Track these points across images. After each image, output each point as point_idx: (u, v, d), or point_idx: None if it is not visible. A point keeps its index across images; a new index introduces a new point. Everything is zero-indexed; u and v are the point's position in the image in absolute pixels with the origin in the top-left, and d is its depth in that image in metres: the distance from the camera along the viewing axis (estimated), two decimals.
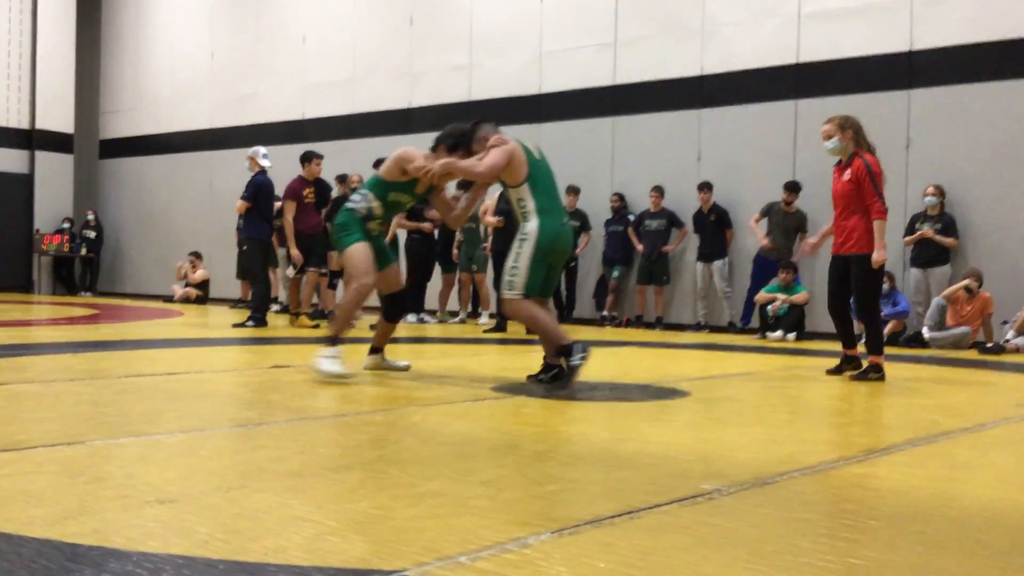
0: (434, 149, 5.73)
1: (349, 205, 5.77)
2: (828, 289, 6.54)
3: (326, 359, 5.43)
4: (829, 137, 6.32)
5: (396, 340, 9.18)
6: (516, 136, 5.72)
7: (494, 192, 10.64)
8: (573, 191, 12.36)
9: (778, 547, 2.30)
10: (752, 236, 11.20)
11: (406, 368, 6.12)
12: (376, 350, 6.16)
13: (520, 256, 5.43)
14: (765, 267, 11.03)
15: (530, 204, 5.46)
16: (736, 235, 11.56)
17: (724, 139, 11.67)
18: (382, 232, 5.95)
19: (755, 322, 10.87)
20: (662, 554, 2.22)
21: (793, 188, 10.92)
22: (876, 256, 6.10)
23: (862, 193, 6.15)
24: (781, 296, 10.34)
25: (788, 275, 10.41)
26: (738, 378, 6.37)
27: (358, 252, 5.65)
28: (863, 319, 6.39)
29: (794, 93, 11.11)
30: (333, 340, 5.55)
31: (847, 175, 6.23)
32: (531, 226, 5.43)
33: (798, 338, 10.21)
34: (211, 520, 2.42)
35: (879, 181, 6.15)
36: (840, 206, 6.30)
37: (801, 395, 5.67)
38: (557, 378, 5.48)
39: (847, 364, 6.45)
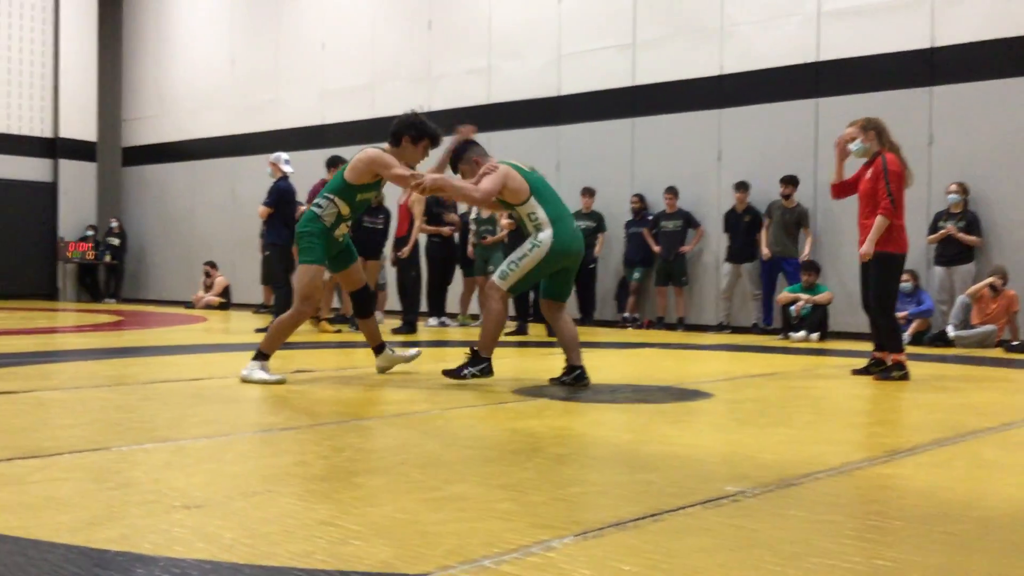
0: (396, 143, 5.65)
1: (316, 211, 5.68)
2: (861, 290, 6.56)
3: (256, 370, 5.55)
4: (852, 139, 6.34)
5: (418, 344, 9.20)
6: (501, 158, 5.75)
7: None
8: (588, 193, 12.36)
9: (803, 549, 2.29)
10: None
11: (416, 355, 6.22)
12: (379, 349, 6.18)
13: (525, 258, 5.47)
14: (773, 266, 11.01)
15: (541, 215, 5.49)
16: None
17: (744, 139, 11.62)
18: (347, 234, 5.92)
19: (777, 323, 10.82)
20: (686, 556, 2.21)
21: (791, 181, 10.88)
22: (864, 248, 6.19)
23: (877, 191, 6.18)
24: (804, 296, 10.29)
25: (811, 276, 10.35)
26: (761, 379, 6.34)
27: (310, 275, 5.64)
28: (879, 317, 6.36)
29: (814, 92, 11.06)
30: (264, 356, 5.64)
31: (869, 174, 6.29)
32: (545, 235, 5.46)
33: (822, 338, 10.15)
34: (236, 525, 2.43)
35: (893, 179, 6.16)
36: (862, 205, 6.35)
37: (825, 395, 5.64)
38: (579, 379, 5.52)
39: (875, 366, 6.42)
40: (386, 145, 5.72)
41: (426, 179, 5.44)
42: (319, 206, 5.68)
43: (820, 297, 10.25)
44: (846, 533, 2.48)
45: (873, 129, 6.31)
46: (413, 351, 6.26)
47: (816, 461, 3.38)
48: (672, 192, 11.83)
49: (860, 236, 6.37)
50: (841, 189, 6.59)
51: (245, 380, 5.54)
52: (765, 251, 10.97)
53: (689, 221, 11.83)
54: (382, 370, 6.16)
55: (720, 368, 7.23)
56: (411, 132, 5.62)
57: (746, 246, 11.34)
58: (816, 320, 10.19)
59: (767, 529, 2.46)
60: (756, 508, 2.69)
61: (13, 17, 18.81)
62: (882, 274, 6.24)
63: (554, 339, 9.85)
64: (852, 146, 6.38)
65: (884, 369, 6.25)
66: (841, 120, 10.51)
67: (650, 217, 12.12)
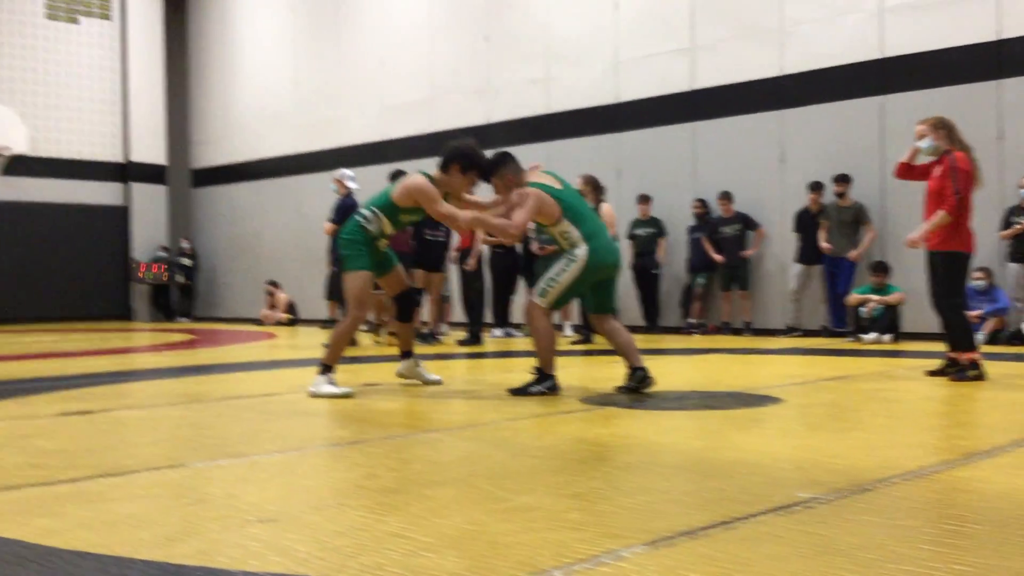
0: (445, 170, 5.70)
1: (361, 222, 5.76)
2: (928, 288, 6.48)
3: (323, 384, 5.62)
4: (922, 137, 6.29)
5: (484, 355, 9.24)
6: (535, 176, 5.72)
7: None
8: (644, 199, 12.31)
9: (879, 555, 2.25)
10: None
11: (438, 382, 6.23)
12: (406, 355, 6.26)
13: (563, 273, 5.51)
14: (834, 265, 10.84)
15: (575, 233, 5.51)
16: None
17: (808, 139, 11.47)
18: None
19: (848, 324, 10.63)
20: (759, 564, 2.19)
21: (843, 179, 10.72)
22: (916, 235, 6.18)
23: (945, 189, 6.11)
24: (875, 297, 10.10)
25: (880, 277, 10.15)
26: (833, 382, 6.24)
27: (360, 280, 5.74)
28: (948, 316, 6.25)
29: (879, 89, 10.87)
30: (329, 369, 5.71)
31: (938, 172, 6.20)
32: (580, 251, 5.48)
33: (894, 339, 9.95)
34: (309, 538, 2.47)
35: (961, 177, 6.07)
36: (929, 203, 6.27)
37: (899, 398, 5.53)
38: (643, 380, 5.54)
39: (950, 366, 6.29)
40: (435, 171, 5.77)
41: (464, 219, 5.61)
42: (365, 218, 5.76)
43: (891, 298, 10.05)
44: (923, 538, 2.43)
45: (944, 128, 6.24)
46: (436, 377, 6.30)
47: (891, 465, 3.32)
48: (726, 197, 11.73)
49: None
50: (906, 170, 6.49)
51: (314, 395, 5.62)
52: (826, 247, 10.82)
53: (748, 224, 11.71)
54: (401, 375, 6.27)
55: (790, 372, 7.13)
56: (461, 162, 5.66)
57: (817, 247, 11.16)
58: (888, 321, 9.99)
59: (841, 536, 2.43)
60: (830, 514, 2.65)
61: (83, 46, 19.39)
62: (948, 273, 6.17)
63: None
64: (922, 144, 6.30)
65: (959, 369, 6.12)
66: (907, 117, 10.35)
67: (713, 222, 12.01)
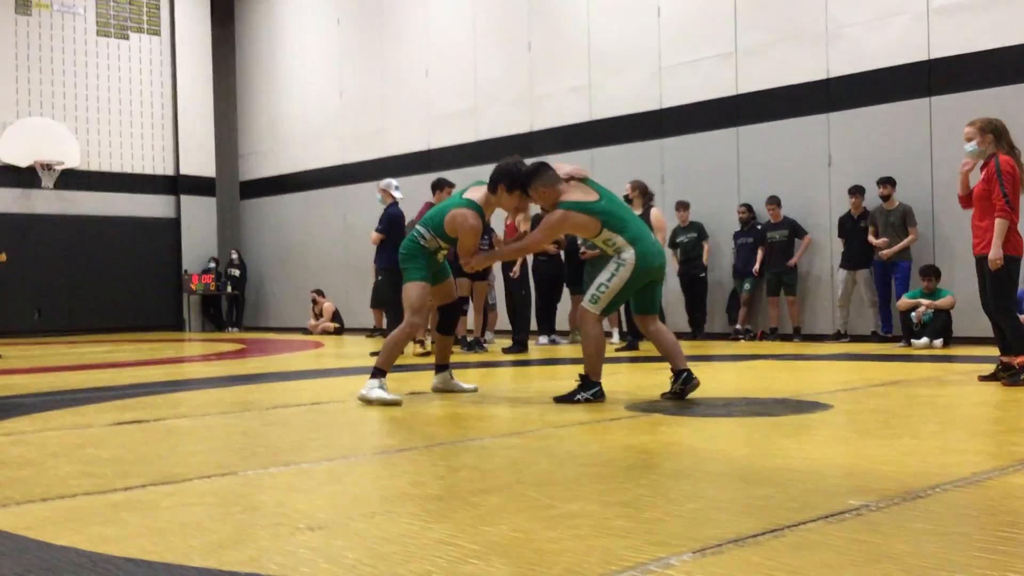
0: (493, 190, 5.76)
1: (419, 239, 5.88)
2: (979, 292, 6.41)
3: (374, 389, 5.64)
4: (970, 140, 6.26)
5: (529, 363, 9.24)
6: (569, 192, 5.62)
7: None
8: (683, 206, 12.26)
9: (933, 563, 2.22)
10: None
11: (473, 390, 6.25)
12: (442, 368, 6.31)
13: (613, 279, 5.50)
14: (885, 272, 10.70)
15: (619, 240, 5.50)
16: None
17: (855, 142, 11.34)
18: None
19: (897, 330, 10.48)
20: (810, 572, 2.16)
21: (887, 182, 10.60)
22: (992, 254, 6.04)
23: (991, 193, 6.07)
24: (925, 301, 9.94)
25: (931, 281, 9.99)
26: (883, 388, 6.15)
27: (418, 290, 5.85)
28: (999, 320, 6.19)
29: (927, 91, 10.72)
30: (381, 373, 5.74)
31: (983, 175, 6.16)
32: (628, 255, 5.48)
33: (945, 344, 9.79)
34: (358, 545, 2.49)
35: (1007, 180, 6.03)
36: (976, 207, 6.23)
37: (952, 404, 5.44)
38: (688, 382, 5.55)
39: (1003, 371, 6.19)
40: (482, 193, 5.83)
41: (472, 261, 5.84)
42: (422, 236, 5.87)
43: (942, 302, 9.88)
44: (977, 546, 2.39)
45: (991, 132, 6.17)
46: (471, 386, 6.33)
47: (943, 472, 3.27)
48: (775, 202, 11.64)
49: (974, 239, 6.26)
50: (966, 200, 6.43)
51: (364, 399, 5.66)
52: (882, 247, 10.68)
53: (796, 230, 11.60)
54: (436, 390, 6.30)
55: (839, 378, 7.05)
56: (506, 181, 5.71)
57: (862, 252, 11.03)
58: (939, 326, 9.83)
59: (893, 543, 2.39)
60: (881, 522, 2.62)
61: (133, 62, 19.77)
62: (998, 276, 6.10)
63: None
64: (967, 147, 6.26)
65: (1012, 373, 6.02)
66: (956, 118, 10.20)
67: (759, 227, 11.92)
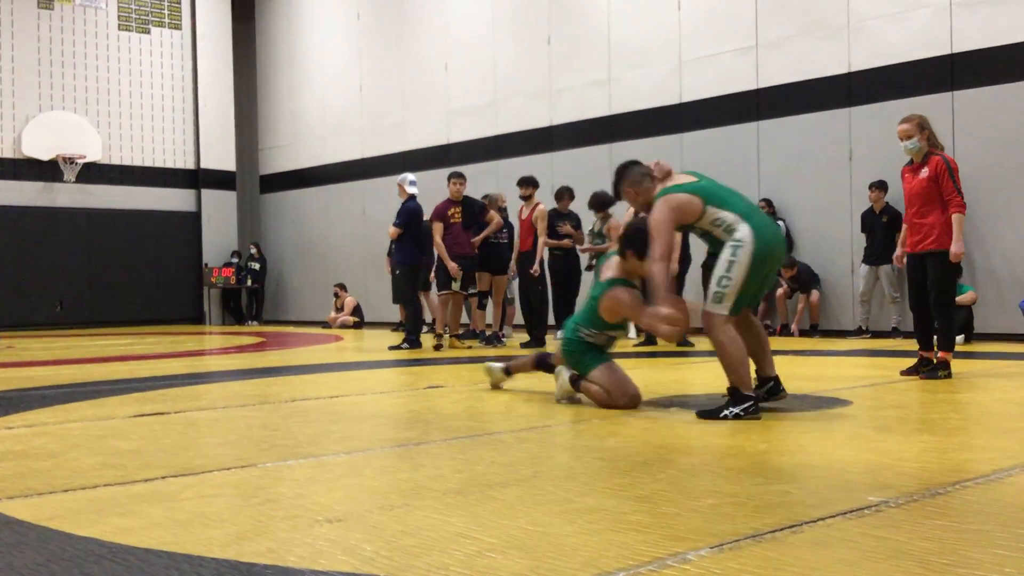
0: (623, 255, 5.19)
1: (579, 339, 5.29)
2: (908, 289, 6.62)
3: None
4: (908, 137, 6.42)
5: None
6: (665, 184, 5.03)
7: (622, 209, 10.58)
8: None
9: (952, 560, 2.20)
10: None
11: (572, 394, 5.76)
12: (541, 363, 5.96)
13: (735, 264, 4.61)
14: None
15: (727, 216, 4.70)
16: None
17: (877, 137, 11.25)
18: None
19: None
20: (828, 569, 2.16)
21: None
22: (955, 248, 6.19)
23: (941, 189, 6.23)
24: None
25: None
26: (903, 384, 6.12)
27: (604, 371, 5.23)
28: (940, 315, 6.36)
29: (949, 85, 10.63)
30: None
31: (924, 173, 6.31)
32: (743, 231, 4.63)
33: (967, 340, 9.71)
34: (376, 538, 2.50)
35: (958, 176, 6.25)
36: (916, 204, 6.37)
37: (972, 400, 5.40)
38: (773, 392, 4.98)
39: (923, 365, 6.45)
40: (615, 266, 5.28)
41: (661, 314, 4.73)
42: (587, 334, 5.30)
43: (963, 298, 9.80)
44: (997, 543, 2.37)
45: (928, 128, 6.41)
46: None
47: (963, 469, 3.25)
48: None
49: (913, 236, 6.41)
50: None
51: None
52: (899, 251, 10.61)
53: (804, 283, 11.60)
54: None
55: (859, 374, 7.01)
56: (635, 248, 5.08)
57: (884, 248, 10.96)
58: (960, 322, 9.75)
59: (913, 540, 2.38)
60: (900, 519, 2.61)
61: (154, 56, 19.86)
62: (947, 272, 6.29)
63: (685, 348, 9.78)
64: (907, 144, 6.40)
65: (931, 368, 6.33)
66: (978, 113, 10.12)
67: (781, 222, 11.86)
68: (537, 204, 10.87)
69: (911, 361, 6.64)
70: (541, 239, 10.75)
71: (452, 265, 10.31)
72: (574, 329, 5.37)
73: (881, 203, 10.99)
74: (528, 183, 11.04)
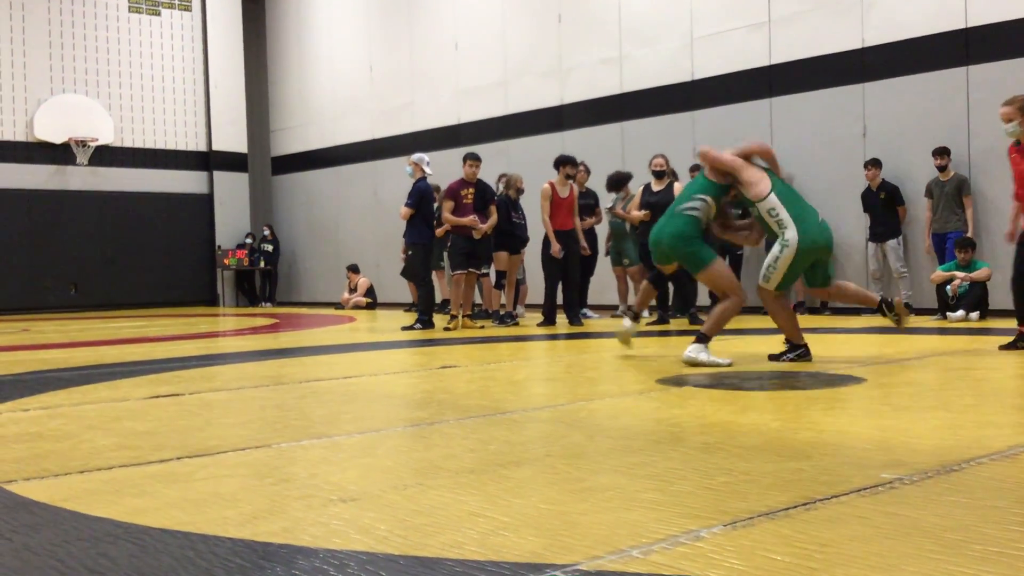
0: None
1: (690, 218, 6.19)
2: (1015, 265, 6.44)
3: (700, 352, 6.00)
4: (1009, 120, 6.31)
5: (558, 336, 9.24)
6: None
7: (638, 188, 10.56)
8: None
9: (967, 536, 2.20)
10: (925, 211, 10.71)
11: (728, 364, 6.05)
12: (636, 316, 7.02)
13: (779, 260, 6.01)
14: (941, 244, 10.52)
15: (783, 214, 5.97)
16: (909, 211, 11.04)
17: (890, 112, 11.17)
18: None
19: (933, 303, 10.35)
20: (841, 546, 2.15)
21: (942, 152, 10.38)
22: (1008, 229, 6.28)
23: None
24: (960, 274, 9.81)
25: (966, 253, 9.84)
26: (917, 361, 6.10)
27: (719, 269, 6.31)
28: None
29: (964, 60, 10.53)
30: (705, 338, 6.10)
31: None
32: (790, 235, 5.94)
33: (982, 317, 9.67)
34: (390, 517, 2.51)
35: None
36: (1018, 188, 6.28)
37: (987, 377, 5.38)
38: (801, 357, 6.05)
39: (1021, 340, 6.33)
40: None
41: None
42: (696, 209, 6.20)
43: (978, 274, 9.75)
44: (1013, 520, 2.36)
45: None
46: (726, 360, 6.19)
47: (978, 445, 3.24)
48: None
49: (1013, 214, 6.39)
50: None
51: (691, 362, 5.96)
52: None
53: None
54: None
55: (872, 351, 6.99)
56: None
57: (886, 224, 10.93)
58: (975, 298, 9.71)
59: (927, 517, 2.38)
60: (914, 495, 2.60)
61: (165, 38, 19.85)
62: None
63: (695, 327, 9.74)
64: (1008, 127, 6.28)
65: (1013, 340, 6.26)
66: (994, 88, 10.02)
67: None
68: (571, 184, 10.77)
69: (926, 338, 6.63)
70: (575, 219, 10.75)
71: (466, 220, 10.37)
72: (694, 203, 6.19)
73: (877, 180, 10.94)
74: (573, 163, 10.86)
